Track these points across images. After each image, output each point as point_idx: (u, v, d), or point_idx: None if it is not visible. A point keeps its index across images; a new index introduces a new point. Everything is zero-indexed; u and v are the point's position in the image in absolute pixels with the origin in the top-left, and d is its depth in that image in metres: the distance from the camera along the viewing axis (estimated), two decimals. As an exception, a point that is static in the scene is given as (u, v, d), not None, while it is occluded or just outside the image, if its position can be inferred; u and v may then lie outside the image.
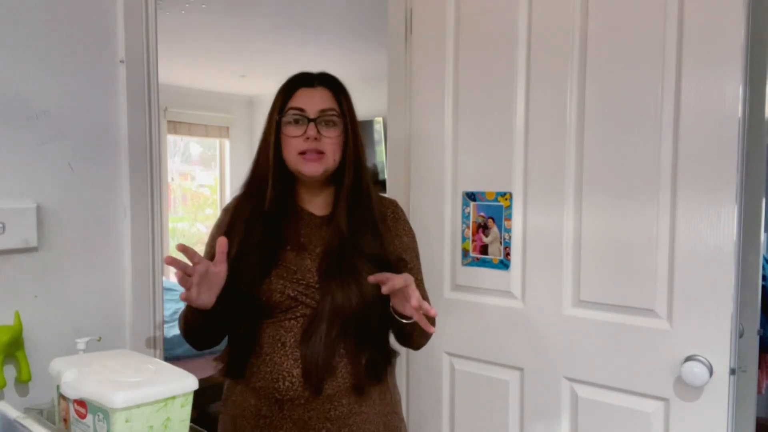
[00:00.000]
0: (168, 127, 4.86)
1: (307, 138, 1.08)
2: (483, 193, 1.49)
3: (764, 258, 1.75)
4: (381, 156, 4.44)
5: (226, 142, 5.43)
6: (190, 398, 0.90)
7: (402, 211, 1.23)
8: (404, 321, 1.06)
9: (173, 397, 0.87)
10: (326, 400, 1.07)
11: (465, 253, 1.52)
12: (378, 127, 4.44)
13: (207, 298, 1.02)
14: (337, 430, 1.08)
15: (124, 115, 1.28)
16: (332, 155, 1.11)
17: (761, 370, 1.98)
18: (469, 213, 1.52)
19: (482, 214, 1.49)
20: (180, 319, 1.15)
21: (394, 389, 1.20)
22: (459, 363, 1.56)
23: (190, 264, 0.99)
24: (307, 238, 1.13)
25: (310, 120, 1.09)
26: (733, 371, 1.15)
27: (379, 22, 2.07)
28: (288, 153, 1.11)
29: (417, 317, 0.99)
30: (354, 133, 1.13)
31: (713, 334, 1.16)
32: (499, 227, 1.46)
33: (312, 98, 1.10)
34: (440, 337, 1.52)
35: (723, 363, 1.15)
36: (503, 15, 1.43)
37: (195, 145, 5.40)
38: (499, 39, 1.44)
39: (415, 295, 0.97)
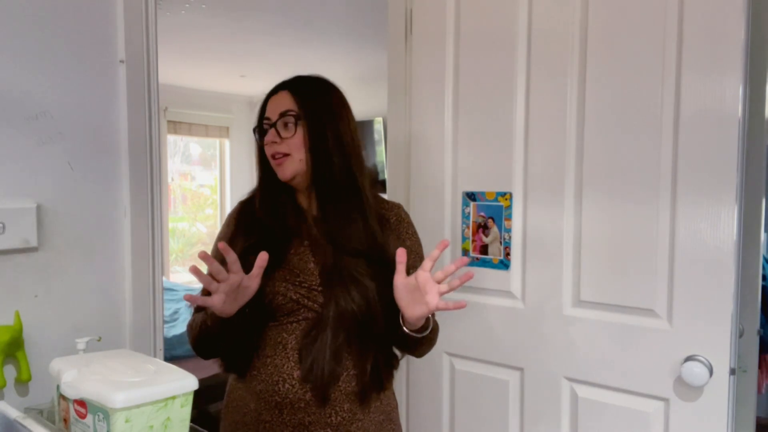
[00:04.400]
0: (168, 127, 4.85)
1: (267, 143, 1.11)
2: (483, 193, 1.49)
3: (764, 258, 1.75)
4: (381, 156, 4.43)
5: (226, 142, 5.43)
6: (190, 398, 0.90)
7: (406, 214, 1.22)
8: (416, 335, 1.05)
9: (173, 397, 0.87)
10: (327, 405, 1.07)
11: (465, 253, 1.52)
12: (378, 127, 4.44)
13: (230, 309, 0.99)
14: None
15: (124, 115, 1.27)
16: (297, 155, 1.10)
17: (761, 370, 1.97)
18: (469, 213, 1.52)
19: (482, 214, 1.49)
20: (191, 328, 1.13)
21: (392, 396, 1.20)
22: (459, 363, 1.56)
23: (223, 270, 0.95)
24: (311, 240, 1.13)
25: (271, 125, 1.11)
26: (733, 371, 1.15)
27: (379, 22, 2.07)
28: (269, 160, 1.13)
29: (442, 305, 0.95)
30: (316, 128, 1.10)
31: (713, 334, 1.16)
32: (499, 227, 1.46)
33: (273, 104, 1.12)
34: (440, 337, 1.52)
35: (723, 363, 1.15)
36: (503, 15, 1.43)
37: (195, 145, 5.40)
38: (499, 39, 1.44)
39: (433, 284, 0.95)
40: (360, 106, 1.17)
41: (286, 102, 1.11)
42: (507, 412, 1.46)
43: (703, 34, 1.16)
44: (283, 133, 1.10)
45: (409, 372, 1.65)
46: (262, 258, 0.97)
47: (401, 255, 0.97)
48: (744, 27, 1.11)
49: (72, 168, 1.20)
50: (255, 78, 4.65)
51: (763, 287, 1.60)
